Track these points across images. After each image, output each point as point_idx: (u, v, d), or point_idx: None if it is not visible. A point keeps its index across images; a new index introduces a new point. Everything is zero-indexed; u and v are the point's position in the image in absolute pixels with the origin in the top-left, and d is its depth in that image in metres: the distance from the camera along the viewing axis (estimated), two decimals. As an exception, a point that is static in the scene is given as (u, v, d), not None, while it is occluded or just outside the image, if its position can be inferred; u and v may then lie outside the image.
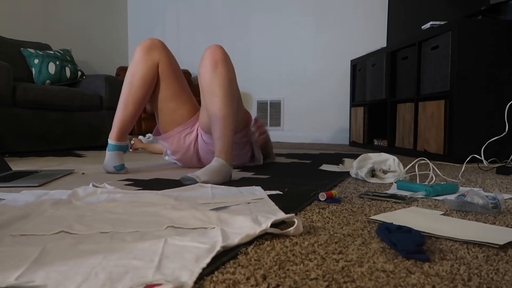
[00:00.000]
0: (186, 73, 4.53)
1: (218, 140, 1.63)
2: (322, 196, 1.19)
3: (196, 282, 0.58)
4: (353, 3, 4.14)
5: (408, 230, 0.79)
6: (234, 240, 0.74)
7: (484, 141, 2.19)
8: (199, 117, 1.86)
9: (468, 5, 2.68)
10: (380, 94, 3.29)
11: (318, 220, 0.96)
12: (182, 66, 4.65)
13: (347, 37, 4.18)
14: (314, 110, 4.30)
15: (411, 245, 0.71)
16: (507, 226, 0.94)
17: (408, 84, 2.92)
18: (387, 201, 1.21)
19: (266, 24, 4.33)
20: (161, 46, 1.81)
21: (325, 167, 2.07)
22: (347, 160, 1.97)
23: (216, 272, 0.62)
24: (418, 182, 1.53)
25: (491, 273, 0.64)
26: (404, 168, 1.66)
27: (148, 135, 2.98)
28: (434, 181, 1.58)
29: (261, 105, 4.51)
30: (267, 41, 4.28)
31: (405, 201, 1.20)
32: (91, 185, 1.34)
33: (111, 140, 1.75)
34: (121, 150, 1.76)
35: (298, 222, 0.83)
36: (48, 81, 3.27)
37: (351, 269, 0.65)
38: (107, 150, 1.75)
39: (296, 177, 1.67)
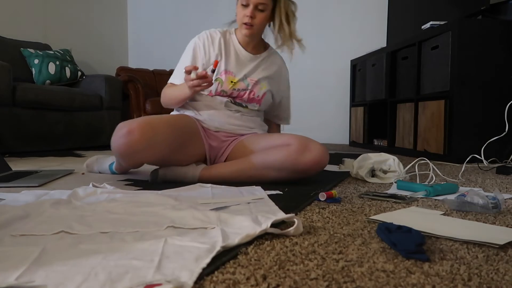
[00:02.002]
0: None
1: (225, 166, 1.55)
2: (322, 196, 1.19)
3: (196, 282, 0.58)
4: (353, 3, 4.13)
5: (408, 230, 0.79)
6: (234, 240, 0.74)
7: (484, 141, 2.19)
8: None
9: (468, 5, 2.68)
10: (380, 94, 3.29)
11: (318, 220, 0.96)
12: (182, 66, 4.64)
13: (347, 37, 4.17)
14: (314, 110, 4.29)
15: (411, 245, 0.71)
16: (507, 226, 0.94)
17: (408, 84, 2.92)
18: (387, 201, 1.21)
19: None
20: (143, 150, 1.35)
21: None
22: (347, 160, 1.96)
23: (216, 272, 0.62)
24: (418, 182, 1.53)
25: (491, 273, 0.64)
26: (404, 168, 1.66)
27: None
28: (434, 181, 1.58)
29: (261, 105, 4.50)
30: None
31: (405, 201, 1.20)
32: (91, 185, 1.34)
33: (117, 170, 1.74)
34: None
35: (298, 222, 0.83)
36: (48, 81, 3.27)
37: (351, 269, 0.65)
38: (108, 167, 1.75)
39: (296, 177, 1.67)
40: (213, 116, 1.62)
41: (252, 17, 1.53)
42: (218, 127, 1.63)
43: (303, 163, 1.43)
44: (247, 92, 1.64)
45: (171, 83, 1.66)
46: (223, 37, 1.66)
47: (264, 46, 1.74)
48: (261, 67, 1.68)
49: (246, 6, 1.53)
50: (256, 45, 1.69)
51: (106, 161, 1.78)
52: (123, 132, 1.33)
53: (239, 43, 1.66)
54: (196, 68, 1.41)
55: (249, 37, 1.62)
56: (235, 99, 1.64)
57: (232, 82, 1.61)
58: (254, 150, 1.54)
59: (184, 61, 1.64)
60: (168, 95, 1.63)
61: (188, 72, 1.41)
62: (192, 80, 1.41)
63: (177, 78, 1.64)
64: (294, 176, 1.46)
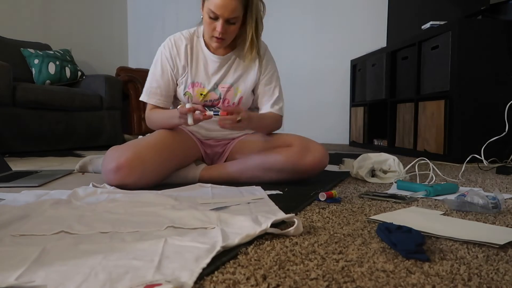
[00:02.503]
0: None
1: (225, 167, 1.53)
2: (322, 196, 1.19)
3: (196, 282, 0.58)
4: (353, 3, 4.13)
5: (408, 230, 0.79)
6: (234, 240, 0.74)
7: (484, 141, 2.19)
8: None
9: (468, 5, 2.68)
10: (380, 94, 3.29)
11: (318, 220, 0.96)
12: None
13: (347, 37, 4.17)
14: (314, 110, 4.29)
15: (411, 245, 0.71)
16: (507, 226, 0.94)
17: (408, 84, 2.92)
18: (387, 201, 1.21)
19: (265, 24, 4.33)
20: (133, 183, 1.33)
21: (325, 167, 2.07)
22: (347, 160, 1.96)
23: (216, 272, 0.62)
24: (418, 182, 1.53)
25: (491, 273, 0.64)
26: (404, 168, 1.66)
27: (148, 135, 2.98)
28: (434, 181, 1.58)
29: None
30: (266, 40, 4.28)
31: (405, 201, 1.20)
32: (91, 185, 1.34)
33: None
34: None
35: (298, 222, 0.83)
36: (48, 81, 3.27)
37: (351, 269, 0.65)
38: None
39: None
40: (200, 125, 1.57)
41: (223, 32, 1.39)
42: (205, 135, 1.61)
43: (304, 165, 1.42)
44: (220, 101, 1.54)
45: (152, 106, 1.55)
46: (190, 43, 1.53)
47: (235, 43, 1.55)
48: (233, 67, 1.55)
49: (214, 19, 1.36)
50: (226, 46, 1.54)
51: (100, 161, 1.77)
52: (112, 168, 1.31)
53: (208, 47, 1.54)
54: (191, 110, 1.31)
55: (220, 47, 1.50)
56: (211, 108, 1.54)
57: (201, 94, 1.52)
58: (255, 150, 1.54)
59: (154, 75, 1.54)
60: (155, 123, 1.55)
61: (183, 113, 1.33)
62: (190, 123, 1.33)
63: (154, 98, 1.53)
64: (294, 177, 1.46)
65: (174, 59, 1.53)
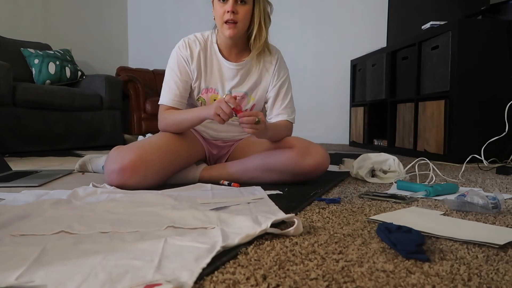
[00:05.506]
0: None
1: (226, 167, 1.52)
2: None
3: (196, 282, 0.58)
4: (353, 3, 4.13)
5: (408, 230, 0.79)
6: (234, 240, 0.74)
7: (484, 141, 2.19)
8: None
9: (468, 5, 2.68)
10: (380, 94, 3.29)
11: (318, 220, 0.96)
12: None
13: (347, 37, 4.17)
14: (314, 110, 4.29)
15: (411, 245, 0.71)
16: (507, 226, 0.94)
17: (408, 84, 2.92)
18: (387, 201, 1.21)
19: (266, 24, 4.33)
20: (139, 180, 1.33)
21: (325, 167, 2.06)
22: (347, 160, 1.96)
23: (216, 272, 0.62)
24: (418, 182, 1.53)
25: (491, 273, 0.64)
26: (404, 168, 1.66)
27: (148, 135, 2.98)
28: (434, 181, 1.58)
29: (261, 105, 4.50)
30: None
31: (405, 201, 1.20)
32: (91, 185, 1.34)
33: None
34: None
35: (298, 222, 0.83)
36: (48, 81, 3.27)
37: (351, 269, 0.65)
38: (101, 168, 1.69)
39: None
40: (208, 126, 1.59)
41: (234, 12, 1.35)
42: (214, 136, 1.61)
43: (304, 167, 1.42)
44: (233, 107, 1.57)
45: (168, 107, 1.49)
46: (204, 48, 1.51)
47: (249, 49, 1.54)
48: (247, 75, 1.54)
49: (224, 0, 1.36)
50: (240, 50, 1.53)
51: (99, 161, 1.78)
52: (116, 169, 1.31)
53: (221, 53, 1.52)
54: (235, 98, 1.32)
55: (234, 38, 1.43)
56: None
57: (215, 100, 1.50)
58: (256, 151, 1.53)
59: (172, 76, 1.51)
60: (173, 123, 1.48)
61: (228, 101, 1.29)
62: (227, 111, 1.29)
63: (173, 99, 1.49)
64: (294, 179, 1.46)
65: (188, 62, 1.51)
